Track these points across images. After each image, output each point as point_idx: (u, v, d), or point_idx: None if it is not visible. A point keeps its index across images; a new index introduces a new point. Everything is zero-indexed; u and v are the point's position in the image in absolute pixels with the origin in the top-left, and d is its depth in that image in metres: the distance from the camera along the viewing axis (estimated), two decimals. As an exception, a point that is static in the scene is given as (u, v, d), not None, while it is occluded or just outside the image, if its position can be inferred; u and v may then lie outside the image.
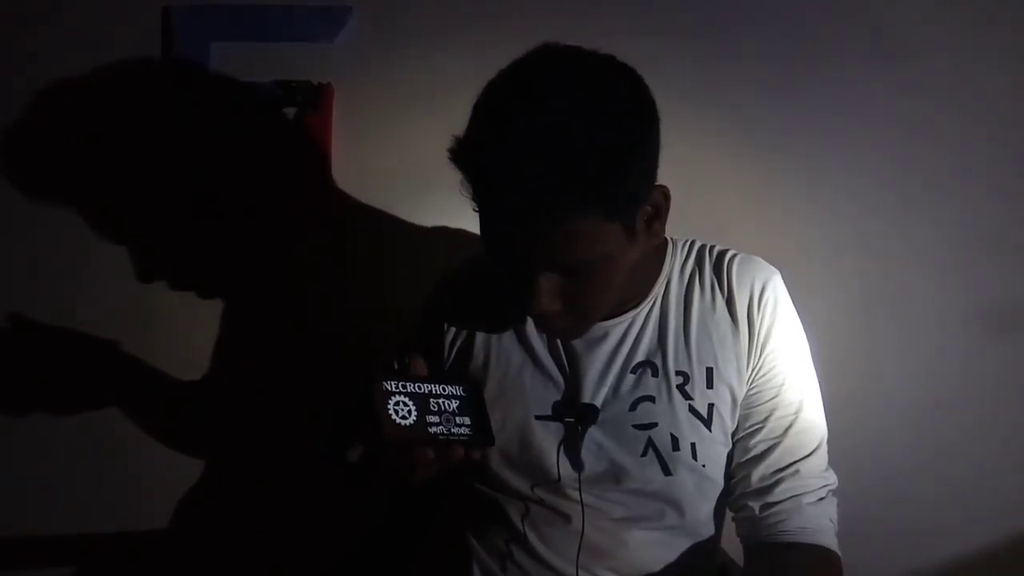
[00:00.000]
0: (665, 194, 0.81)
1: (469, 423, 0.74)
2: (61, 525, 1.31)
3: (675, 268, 0.92)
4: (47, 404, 1.28)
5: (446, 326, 0.96)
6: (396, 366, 0.95)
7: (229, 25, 1.24)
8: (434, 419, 0.71)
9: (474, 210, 0.78)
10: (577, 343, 0.90)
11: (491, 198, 0.75)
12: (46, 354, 1.27)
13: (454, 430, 0.72)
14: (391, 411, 0.69)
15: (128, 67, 1.25)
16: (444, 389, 0.74)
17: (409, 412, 0.70)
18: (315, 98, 1.23)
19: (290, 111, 1.24)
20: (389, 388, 0.70)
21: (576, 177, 0.71)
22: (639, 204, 0.78)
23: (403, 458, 0.71)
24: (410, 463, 0.71)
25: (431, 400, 0.72)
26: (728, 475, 0.91)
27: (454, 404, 0.74)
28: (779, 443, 0.87)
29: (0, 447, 1.30)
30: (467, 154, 0.76)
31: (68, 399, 1.28)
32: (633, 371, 0.88)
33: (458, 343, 0.95)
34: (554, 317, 0.81)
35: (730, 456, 0.90)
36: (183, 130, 1.25)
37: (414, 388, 0.72)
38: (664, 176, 0.81)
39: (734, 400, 0.88)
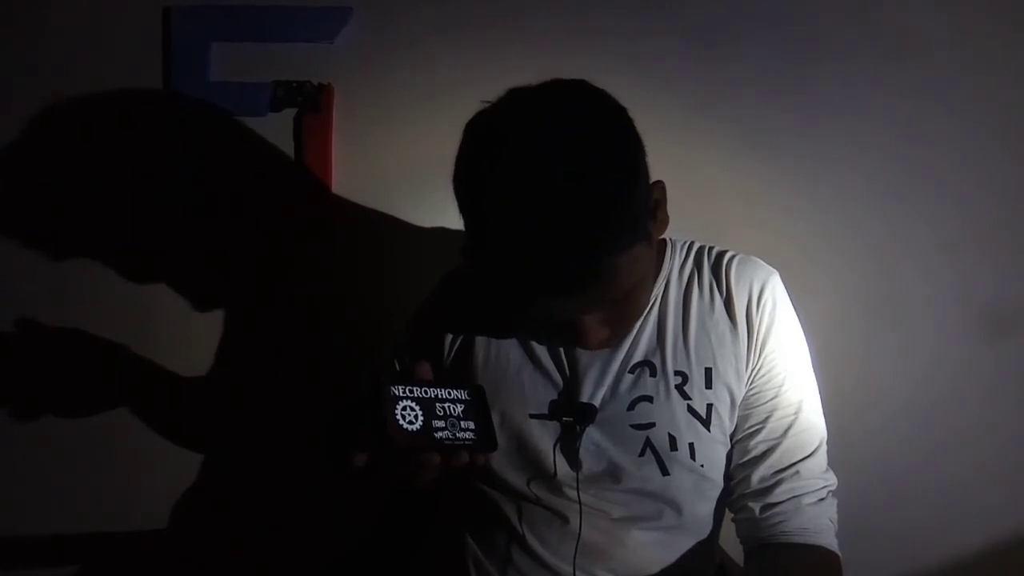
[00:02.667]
0: (661, 188, 0.82)
1: (474, 428, 0.73)
2: (61, 525, 1.31)
3: (674, 269, 0.92)
4: (47, 404, 1.28)
5: (446, 325, 0.96)
6: (398, 367, 0.95)
7: (229, 25, 1.24)
8: (440, 424, 0.71)
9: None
10: None
11: (529, 279, 0.73)
12: (46, 354, 1.27)
13: (459, 435, 0.72)
14: (398, 416, 0.69)
15: (128, 67, 1.25)
16: (449, 393, 0.74)
17: (416, 417, 0.70)
18: (315, 98, 1.23)
19: (290, 111, 1.24)
20: (396, 393, 0.70)
21: (598, 224, 0.70)
22: (647, 212, 0.79)
23: (409, 463, 0.72)
24: (416, 468, 0.71)
25: (437, 405, 0.72)
26: (728, 476, 0.91)
27: (459, 408, 0.74)
28: (779, 444, 0.87)
29: (0, 447, 1.30)
30: (485, 249, 0.74)
31: (68, 399, 1.28)
32: (631, 371, 0.88)
33: (458, 342, 0.95)
34: (604, 338, 0.83)
35: (729, 457, 0.90)
36: (183, 130, 1.25)
37: (421, 393, 0.72)
38: (664, 177, 0.81)
39: (733, 401, 0.88)
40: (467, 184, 0.75)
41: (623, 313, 0.83)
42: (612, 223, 0.71)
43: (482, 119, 0.76)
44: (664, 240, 0.94)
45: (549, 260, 0.71)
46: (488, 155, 0.73)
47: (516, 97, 0.76)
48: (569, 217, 0.69)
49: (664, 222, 0.83)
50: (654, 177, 0.80)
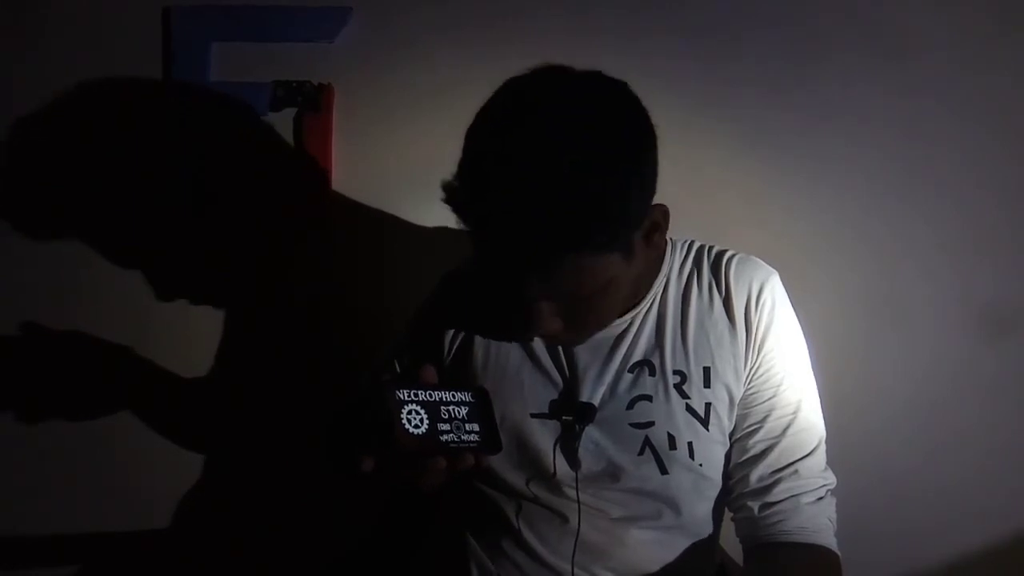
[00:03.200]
0: (664, 212, 0.81)
1: (478, 430, 0.73)
2: (61, 525, 1.31)
3: (673, 268, 0.92)
4: (46, 404, 1.28)
5: (447, 324, 0.96)
6: (398, 368, 0.95)
7: (229, 25, 1.24)
8: (445, 427, 0.71)
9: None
10: None
11: (488, 240, 0.76)
12: (46, 354, 1.27)
13: (464, 437, 0.72)
14: (404, 420, 0.69)
15: (128, 67, 1.25)
16: (453, 396, 0.74)
17: (421, 421, 0.70)
18: (315, 98, 1.23)
19: (290, 111, 1.24)
20: (402, 397, 0.70)
21: (574, 217, 0.71)
22: (638, 228, 0.79)
23: (415, 467, 0.72)
24: (421, 472, 0.71)
25: (441, 408, 0.72)
26: (727, 475, 0.91)
27: (463, 411, 0.73)
28: (777, 443, 0.87)
29: (0, 447, 1.30)
30: (462, 198, 0.76)
31: (67, 399, 1.28)
32: (631, 370, 0.88)
33: (458, 341, 0.95)
34: (557, 335, 0.83)
35: (728, 456, 0.90)
36: (183, 130, 1.25)
37: (425, 396, 0.72)
38: (664, 177, 0.81)
39: (731, 400, 0.88)
40: (473, 133, 0.76)
41: (582, 315, 0.81)
42: (577, 221, 0.71)
43: (515, 83, 0.77)
44: (664, 240, 0.94)
45: (508, 230, 0.72)
46: (502, 112, 0.75)
47: (553, 73, 0.77)
48: (542, 200, 0.70)
49: (659, 247, 0.83)
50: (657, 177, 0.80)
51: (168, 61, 1.25)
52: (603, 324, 0.86)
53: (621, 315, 0.89)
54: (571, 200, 0.70)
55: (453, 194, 0.76)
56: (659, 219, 0.81)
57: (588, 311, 0.82)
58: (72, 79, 1.25)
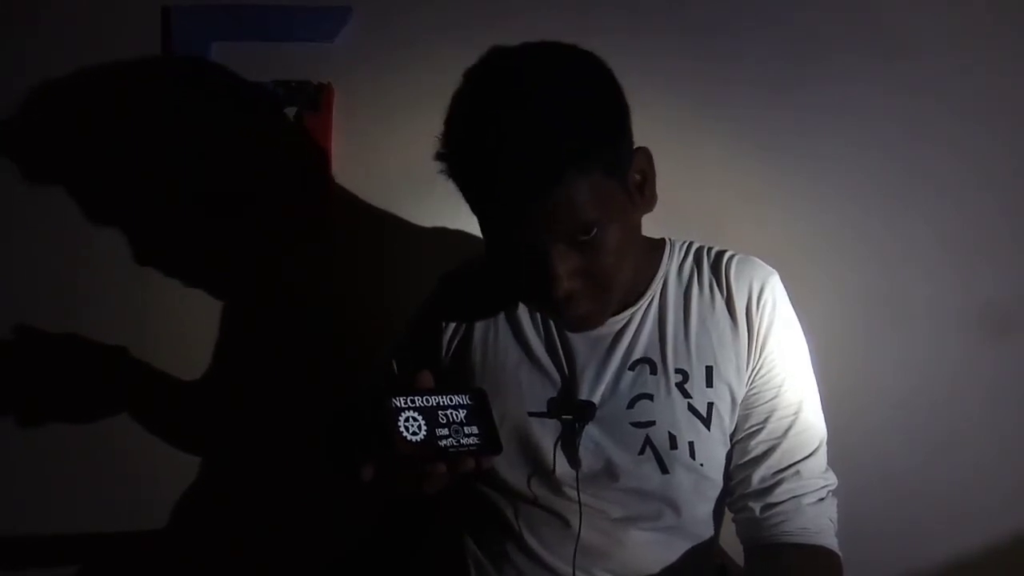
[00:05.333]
0: (648, 155, 0.83)
1: (477, 432, 0.73)
2: (61, 525, 1.31)
3: (672, 268, 0.92)
4: (46, 404, 1.28)
5: (444, 323, 0.96)
6: (396, 368, 0.95)
7: (229, 25, 1.23)
8: (443, 432, 0.71)
9: (473, 211, 0.78)
10: (575, 340, 0.90)
11: (490, 173, 0.75)
12: (45, 354, 1.27)
13: (463, 440, 0.72)
14: (401, 428, 0.69)
15: (128, 67, 1.25)
16: (451, 399, 0.74)
17: (419, 427, 0.70)
18: (315, 98, 1.23)
19: (290, 111, 1.24)
20: (398, 404, 0.70)
21: (574, 133, 0.73)
22: (629, 164, 0.81)
23: (415, 474, 0.72)
24: (422, 479, 0.71)
25: (439, 412, 0.72)
26: (728, 476, 0.91)
27: (461, 414, 0.73)
28: (779, 444, 0.87)
29: (0, 447, 1.30)
30: (458, 137, 0.77)
31: (67, 399, 1.28)
32: (631, 368, 0.88)
33: (456, 340, 0.95)
34: (577, 298, 0.80)
35: (729, 456, 0.90)
36: (183, 130, 1.25)
37: (422, 402, 0.71)
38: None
39: (733, 400, 0.88)
40: (459, 92, 0.80)
41: (596, 267, 0.79)
42: (577, 137, 0.73)
43: (498, 49, 0.81)
44: (663, 240, 0.95)
45: (511, 154, 0.73)
46: (488, 66, 0.79)
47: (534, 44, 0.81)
48: (540, 118, 0.72)
49: (651, 197, 0.84)
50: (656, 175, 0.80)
51: (168, 61, 1.25)
52: (619, 290, 0.83)
53: (618, 312, 0.89)
54: (568, 116, 0.73)
55: (449, 156, 0.78)
56: (646, 165, 0.83)
57: (603, 266, 0.79)
58: (72, 79, 1.25)
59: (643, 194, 0.83)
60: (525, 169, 0.72)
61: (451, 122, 0.79)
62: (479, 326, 0.94)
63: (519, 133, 0.72)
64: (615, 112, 0.79)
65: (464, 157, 0.77)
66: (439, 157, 0.78)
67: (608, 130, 0.77)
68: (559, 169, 0.73)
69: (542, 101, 0.73)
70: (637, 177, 0.83)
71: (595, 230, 0.77)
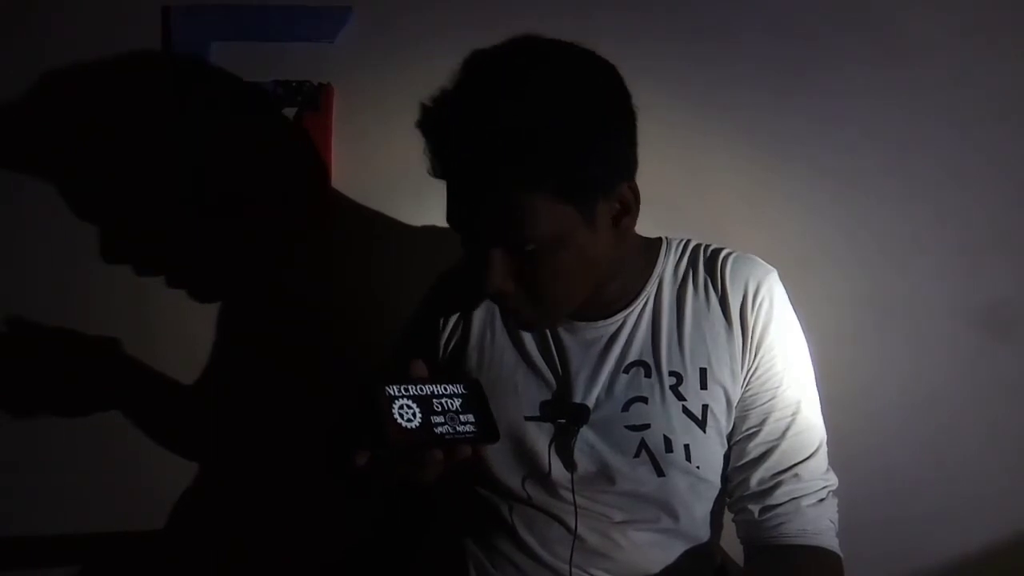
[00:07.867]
0: (634, 191, 0.81)
1: (473, 420, 0.74)
2: (61, 525, 1.31)
3: (668, 268, 0.91)
4: (46, 404, 1.28)
5: (442, 324, 0.96)
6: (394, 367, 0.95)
7: (229, 25, 1.23)
8: (439, 419, 0.72)
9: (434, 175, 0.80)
10: (570, 343, 0.89)
11: (446, 160, 0.77)
12: (45, 353, 1.27)
13: (459, 428, 0.72)
14: (396, 415, 0.69)
15: (128, 67, 1.25)
16: (446, 388, 0.74)
17: (414, 415, 0.70)
18: (315, 98, 1.23)
19: (290, 111, 1.24)
20: (392, 393, 0.70)
21: (527, 148, 0.72)
22: (599, 193, 0.78)
23: (411, 462, 0.72)
24: (419, 466, 0.71)
25: (434, 400, 0.72)
26: (726, 478, 0.90)
27: (457, 403, 0.74)
28: (777, 446, 0.87)
29: (0, 447, 1.30)
30: (430, 116, 0.78)
31: (67, 399, 1.28)
32: (626, 371, 0.88)
33: (453, 341, 0.95)
34: (508, 299, 0.81)
35: (726, 458, 0.90)
36: (183, 130, 1.25)
37: (416, 390, 0.72)
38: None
39: (728, 401, 0.88)
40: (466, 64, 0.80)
41: (532, 278, 0.79)
42: (530, 153, 0.72)
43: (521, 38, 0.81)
44: (659, 239, 0.94)
45: (465, 152, 0.73)
46: (494, 56, 0.79)
47: (523, 40, 0.81)
48: (497, 128, 0.72)
49: (627, 231, 0.83)
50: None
51: (168, 61, 1.25)
52: (560, 304, 0.83)
53: (612, 315, 0.89)
54: (530, 131, 0.72)
55: (426, 115, 0.78)
56: (628, 198, 0.81)
57: (539, 279, 0.80)
58: (72, 79, 1.25)
59: (617, 226, 0.82)
60: (467, 165, 0.74)
61: (434, 97, 0.79)
62: (476, 328, 0.94)
63: (476, 129, 0.73)
64: (592, 140, 0.75)
65: (426, 130, 0.78)
66: (421, 112, 0.80)
67: (572, 155, 0.74)
68: (494, 177, 0.73)
69: (512, 111, 0.72)
70: (616, 207, 0.81)
71: (532, 247, 0.77)
